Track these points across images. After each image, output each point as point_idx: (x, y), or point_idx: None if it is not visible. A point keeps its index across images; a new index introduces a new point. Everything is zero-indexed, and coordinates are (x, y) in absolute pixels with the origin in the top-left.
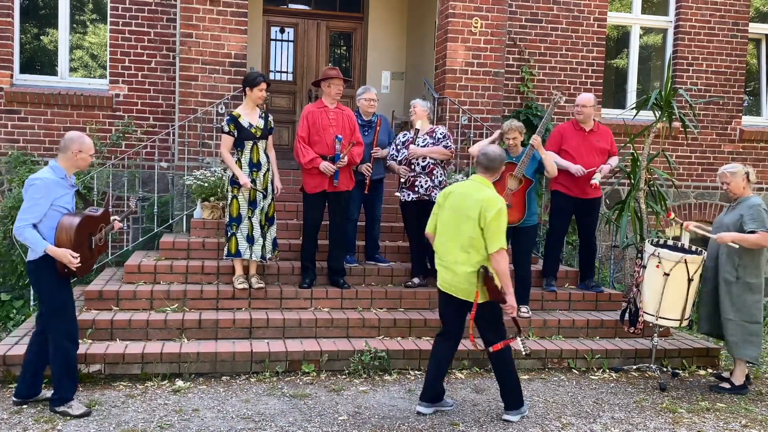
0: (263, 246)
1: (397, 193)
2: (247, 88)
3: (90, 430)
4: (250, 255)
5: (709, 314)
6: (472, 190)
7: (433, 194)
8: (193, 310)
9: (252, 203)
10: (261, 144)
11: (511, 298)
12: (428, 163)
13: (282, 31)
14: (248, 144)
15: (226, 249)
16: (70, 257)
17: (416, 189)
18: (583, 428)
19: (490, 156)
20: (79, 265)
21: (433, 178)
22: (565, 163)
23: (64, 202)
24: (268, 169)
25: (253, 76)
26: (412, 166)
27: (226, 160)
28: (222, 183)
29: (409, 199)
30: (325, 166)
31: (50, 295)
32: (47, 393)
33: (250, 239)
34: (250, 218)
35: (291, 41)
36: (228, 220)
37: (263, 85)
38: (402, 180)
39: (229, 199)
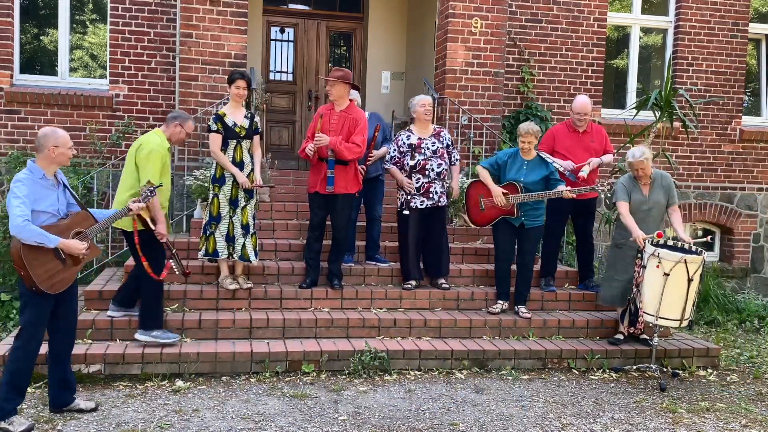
0: (244, 246)
1: (405, 211)
2: (228, 86)
3: (90, 430)
4: (229, 255)
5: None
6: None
7: (442, 199)
8: (193, 310)
9: (233, 202)
10: (245, 144)
11: (161, 226)
12: (443, 168)
13: (282, 31)
14: (232, 143)
15: (203, 249)
16: (79, 247)
17: (431, 195)
18: (583, 428)
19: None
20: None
21: (443, 183)
22: (555, 161)
23: (46, 206)
24: (252, 170)
25: (231, 73)
26: (427, 172)
27: (220, 159)
28: None
29: (423, 206)
30: (308, 148)
31: (27, 308)
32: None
33: (230, 239)
34: (231, 217)
35: (291, 41)
36: (207, 219)
37: (240, 83)
38: (405, 191)
39: (210, 197)
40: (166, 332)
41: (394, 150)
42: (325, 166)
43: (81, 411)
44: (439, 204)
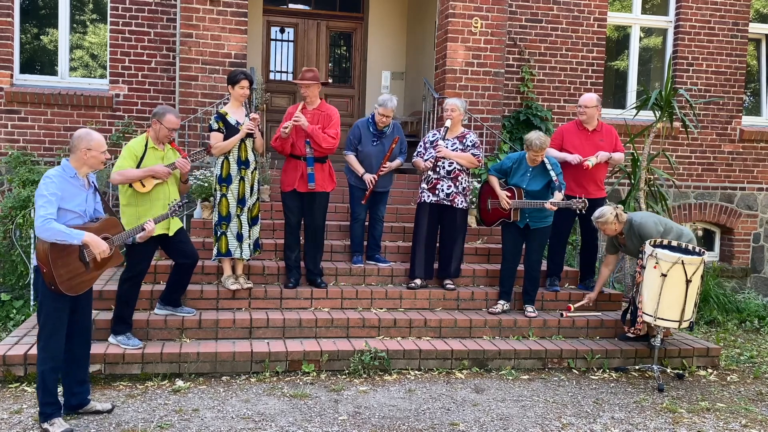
0: (250, 244)
1: (423, 196)
2: (230, 86)
3: (90, 430)
4: (240, 253)
5: None
6: None
7: (456, 200)
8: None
9: (241, 201)
10: (248, 142)
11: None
12: (454, 168)
13: (282, 31)
14: None
15: (215, 249)
16: (103, 247)
17: (437, 192)
18: (583, 428)
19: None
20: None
21: (458, 184)
22: (562, 154)
23: (73, 205)
24: (255, 168)
25: (234, 73)
26: (438, 169)
27: (225, 146)
28: None
29: (428, 201)
30: (284, 126)
31: (44, 306)
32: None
33: (240, 237)
34: (239, 216)
35: (291, 41)
36: (217, 219)
37: (244, 83)
38: (424, 176)
39: (218, 198)
40: (131, 337)
41: (421, 145)
42: (303, 165)
43: (98, 412)
44: (447, 203)
